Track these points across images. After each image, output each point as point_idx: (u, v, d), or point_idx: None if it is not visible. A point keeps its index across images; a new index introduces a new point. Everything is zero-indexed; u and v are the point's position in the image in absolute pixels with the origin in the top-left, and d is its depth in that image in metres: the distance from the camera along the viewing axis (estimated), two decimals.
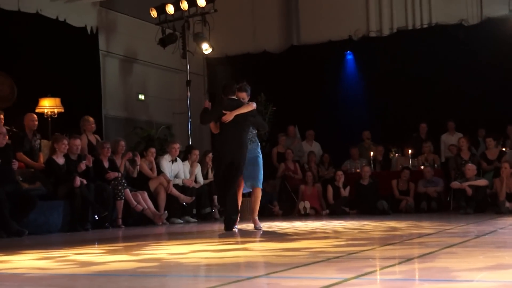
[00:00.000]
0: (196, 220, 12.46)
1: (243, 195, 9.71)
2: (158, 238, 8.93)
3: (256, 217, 9.27)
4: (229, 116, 8.86)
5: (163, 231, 10.09)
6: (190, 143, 15.11)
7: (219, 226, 9.06)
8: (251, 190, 9.35)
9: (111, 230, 10.49)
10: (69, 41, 14.44)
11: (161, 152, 13.28)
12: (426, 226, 8.79)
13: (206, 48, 15.86)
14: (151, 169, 12.31)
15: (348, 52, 17.94)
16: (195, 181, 12.96)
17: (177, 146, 12.83)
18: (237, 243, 7.11)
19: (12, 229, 8.89)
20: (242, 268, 4.65)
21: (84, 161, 10.72)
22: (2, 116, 10.97)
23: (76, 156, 10.79)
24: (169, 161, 12.65)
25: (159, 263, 4.98)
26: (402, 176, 14.51)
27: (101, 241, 8.14)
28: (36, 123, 11.27)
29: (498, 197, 12.83)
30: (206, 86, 19.14)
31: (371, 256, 5.09)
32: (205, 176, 13.32)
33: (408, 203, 14.23)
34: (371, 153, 15.63)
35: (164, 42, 15.65)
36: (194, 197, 12.39)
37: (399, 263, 4.48)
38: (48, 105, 13.05)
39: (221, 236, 8.27)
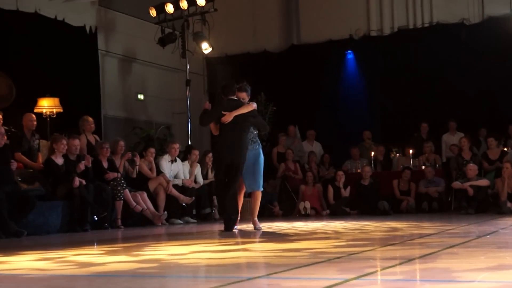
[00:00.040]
0: (195, 221, 12.42)
1: (243, 195, 9.64)
2: (158, 238, 8.90)
3: (256, 218, 9.24)
4: (228, 117, 8.80)
5: (163, 232, 10.06)
6: (189, 143, 15.10)
7: (219, 227, 9.02)
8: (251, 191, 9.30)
9: (110, 231, 10.45)
10: (67, 41, 14.41)
11: (160, 152, 13.26)
12: (427, 227, 8.76)
13: (206, 48, 15.83)
14: (151, 170, 12.27)
15: (348, 51, 17.93)
16: (195, 181, 12.92)
17: (176, 146, 12.79)
18: (237, 243, 7.09)
19: (10, 230, 8.85)
20: (242, 268, 4.63)
21: (83, 162, 10.69)
22: (0, 116, 10.95)
23: (75, 156, 10.77)
24: (169, 161, 12.62)
25: (158, 264, 4.96)
26: (403, 176, 14.48)
27: (100, 241, 8.13)
28: (35, 123, 11.23)
29: (500, 197, 12.79)
30: (206, 86, 19.14)
31: (372, 257, 5.08)
32: (204, 177, 13.28)
33: (409, 204, 14.19)
34: (372, 153, 15.60)
35: (163, 41, 15.62)
36: (193, 198, 12.35)
37: (400, 263, 4.47)
38: (47, 105, 13.02)
39: (221, 236, 8.24)
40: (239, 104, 8.95)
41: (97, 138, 12.38)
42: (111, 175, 11.14)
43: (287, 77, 17.75)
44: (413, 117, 16.25)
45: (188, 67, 15.81)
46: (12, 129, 11.15)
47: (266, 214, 13.70)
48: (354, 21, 17.73)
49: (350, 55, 17.92)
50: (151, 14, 15.50)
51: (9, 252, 6.43)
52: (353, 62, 17.89)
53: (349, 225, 9.83)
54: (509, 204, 12.50)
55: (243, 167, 8.92)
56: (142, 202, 11.44)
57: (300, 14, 18.42)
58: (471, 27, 16.67)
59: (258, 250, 6.23)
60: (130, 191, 11.30)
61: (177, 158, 12.85)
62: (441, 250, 5.25)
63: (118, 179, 11.16)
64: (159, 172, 12.32)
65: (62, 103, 13.17)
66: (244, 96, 9.10)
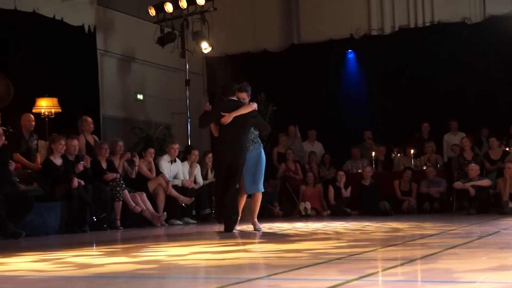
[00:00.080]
0: (195, 221, 12.40)
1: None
2: (157, 239, 8.88)
3: (256, 219, 9.20)
4: (227, 118, 8.74)
5: (162, 233, 10.05)
6: (189, 143, 15.09)
7: (219, 227, 9.00)
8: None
9: (109, 232, 10.43)
10: (66, 40, 14.38)
11: (160, 153, 13.26)
12: (429, 227, 8.77)
13: (206, 47, 15.81)
14: (150, 170, 12.24)
15: (349, 51, 17.91)
16: (195, 182, 12.89)
17: (176, 146, 12.76)
18: (237, 244, 7.07)
19: (9, 231, 8.81)
20: (242, 269, 4.61)
21: (82, 162, 10.67)
22: None
23: (74, 156, 10.75)
24: (168, 162, 12.59)
25: (158, 265, 4.94)
26: (404, 176, 14.45)
27: (99, 242, 8.12)
28: (33, 123, 11.19)
29: (502, 197, 12.78)
30: (206, 86, 19.14)
31: (373, 258, 5.07)
32: (204, 177, 13.25)
33: (410, 204, 14.16)
34: (373, 153, 15.57)
35: (162, 41, 15.59)
36: (193, 198, 12.32)
37: (401, 264, 4.45)
38: (45, 105, 12.99)
39: (221, 237, 8.21)
40: (239, 104, 8.88)
41: (96, 138, 12.36)
42: (110, 175, 11.10)
43: (287, 76, 17.72)
44: (414, 117, 16.23)
45: (187, 67, 15.78)
46: (10, 130, 11.11)
47: (267, 215, 13.68)
48: (355, 20, 17.70)
49: (350, 54, 17.90)
50: (150, 13, 15.48)
51: (7, 253, 6.40)
52: (354, 62, 17.87)
53: (350, 225, 9.82)
54: (511, 204, 12.50)
55: (243, 168, 8.86)
56: (141, 202, 11.41)
57: (300, 13, 18.39)
58: (472, 26, 16.63)
59: (258, 251, 6.22)
60: (129, 192, 11.27)
61: (177, 159, 12.81)
62: (442, 250, 5.23)
63: (117, 179, 11.12)
64: (159, 172, 12.29)
65: (60, 103, 13.13)
66: (245, 96, 9.02)
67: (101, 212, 10.51)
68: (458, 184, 13.17)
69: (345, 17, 17.70)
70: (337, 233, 8.20)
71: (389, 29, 17.58)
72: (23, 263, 5.48)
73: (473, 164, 13.28)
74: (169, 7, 15.21)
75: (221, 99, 9.11)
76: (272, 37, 18.47)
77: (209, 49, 15.91)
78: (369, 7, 17.71)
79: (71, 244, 7.83)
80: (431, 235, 7.22)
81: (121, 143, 11.96)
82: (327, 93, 17.63)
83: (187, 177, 12.78)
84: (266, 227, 9.77)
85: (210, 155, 12.91)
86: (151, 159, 12.33)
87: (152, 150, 12.48)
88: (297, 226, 10.04)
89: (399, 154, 15.64)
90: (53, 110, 12.98)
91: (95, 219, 10.51)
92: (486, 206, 12.86)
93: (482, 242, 6.11)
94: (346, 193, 14.36)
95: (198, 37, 15.68)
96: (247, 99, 9.04)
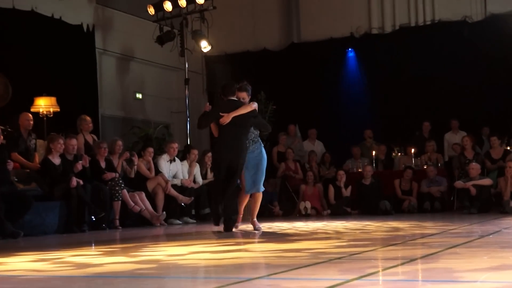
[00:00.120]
0: (195, 221, 12.38)
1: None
2: (156, 239, 8.88)
3: (255, 219, 9.17)
4: (226, 118, 8.68)
5: (161, 232, 10.05)
6: (188, 143, 15.06)
7: (219, 227, 8.97)
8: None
9: (108, 232, 10.43)
10: (64, 39, 14.34)
11: (159, 152, 13.21)
12: (429, 226, 8.77)
13: (205, 46, 15.76)
14: (149, 169, 12.22)
15: (349, 49, 17.87)
16: (194, 181, 12.88)
17: (175, 145, 12.75)
18: (236, 244, 7.05)
19: (7, 231, 8.81)
20: (242, 269, 4.59)
21: (80, 161, 10.66)
22: None
23: (72, 156, 10.74)
24: (167, 161, 12.57)
25: (157, 265, 4.94)
26: (404, 175, 14.43)
27: (98, 242, 8.13)
28: (32, 122, 11.20)
29: (503, 196, 12.76)
30: (205, 85, 19.12)
31: (373, 257, 5.08)
32: (204, 176, 13.23)
33: (411, 203, 14.14)
34: (373, 152, 15.54)
35: (162, 39, 15.55)
36: (192, 198, 12.30)
37: (402, 264, 4.45)
38: (44, 104, 12.96)
39: (220, 237, 8.19)
40: (238, 104, 8.81)
41: (95, 137, 12.36)
42: (109, 175, 11.09)
43: (287, 75, 17.68)
44: (415, 116, 16.19)
45: (187, 66, 15.74)
46: (9, 129, 11.07)
47: (266, 214, 13.66)
48: (355, 19, 17.67)
49: (351, 53, 17.86)
50: (149, 12, 15.43)
51: (6, 253, 6.40)
52: (354, 60, 17.84)
53: (350, 225, 9.83)
54: None
55: (244, 168, 8.83)
56: (140, 202, 11.39)
57: (300, 12, 18.35)
58: (473, 24, 16.59)
59: (258, 250, 6.24)
60: (128, 191, 11.25)
61: (176, 158, 12.79)
62: (443, 250, 5.23)
63: (116, 179, 11.11)
64: (158, 172, 12.27)
65: (59, 102, 13.10)
66: (245, 96, 8.96)
67: (100, 212, 10.49)
68: (459, 183, 13.14)
69: (345, 16, 17.66)
70: (337, 232, 8.19)
71: (390, 27, 17.54)
72: (22, 263, 5.47)
73: (474, 163, 13.26)
74: (168, 6, 15.17)
75: (220, 99, 9.06)
76: (272, 36, 18.43)
77: (209, 48, 15.86)
78: (369, 5, 17.67)
79: (69, 244, 7.82)
80: (432, 234, 7.22)
81: (120, 143, 11.94)
82: (327, 92, 17.59)
83: (187, 176, 12.76)
84: (266, 226, 9.76)
85: (209, 154, 12.87)
86: (150, 159, 12.31)
87: (151, 150, 12.46)
88: (297, 226, 10.03)
89: (399, 153, 15.62)
90: (51, 109, 12.95)
91: (93, 219, 10.50)
92: (487, 205, 12.84)
93: (483, 242, 6.12)
94: (347, 192, 14.34)
95: (197, 36, 15.64)
96: (247, 99, 8.98)
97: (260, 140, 9.14)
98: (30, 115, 11.28)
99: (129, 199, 11.18)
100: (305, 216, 13.81)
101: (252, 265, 4.86)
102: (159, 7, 15.28)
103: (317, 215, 14.08)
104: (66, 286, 4.07)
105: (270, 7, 18.64)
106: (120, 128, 16.18)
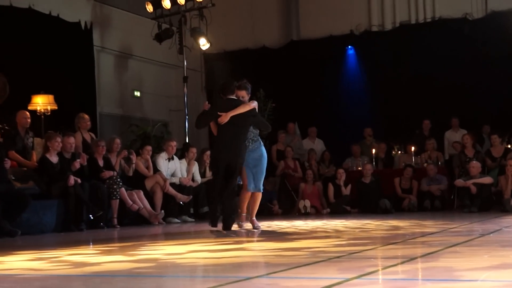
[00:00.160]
0: (193, 220, 12.36)
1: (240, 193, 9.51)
2: (154, 238, 8.91)
3: (254, 218, 9.12)
4: (224, 118, 8.61)
5: (160, 231, 10.06)
6: (187, 141, 15.03)
7: (218, 226, 8.92)
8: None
9: (106, 230, 10.44)
10: (62, 37, 14.30)
11: (157, 150, 13.22)
12: (429, 225, 8.78)
13: (204, 44, 15.71)
14: (147, 168, 12.20)
15: (349, 47, 17.84)
16: (193, 179, 12.85)
17: (173, 143, 12.73)
18: (235, 243, 7.03)
19: (4, 229, 8.80)
20: (241, 268, 4.59)
21: (78, 160, 10.65)
22: None
23: (70, 154, 10.74)
24: (166, 159, 12.54)
25: (155, 264, 4.95)
26: (404, 174, 14.42)
27: (96, 241, 8.15)
28: (29, 120, 11.18)
29: (503, 195, 12.77)
30: (204, 83, 19.07)
31: (373, 256, 5.08)
32: (202, 175, 13.21)
33: (411, 202, 14.12)
34: (373, 151, 15.51)
35: (160, 37, 15.50)
36: (191, 196, 12.30)
37: (402, 262, 4.43)
38: (41, 102, 12.94)
39: (219, 235, 8.17)
40: (237, 103, 8.73)
41: (93, 135, 12.35)
42: (107, 173, 11.08)
43: (286, 73, 17.64)
44: (415, 114, 16.14)
45: (185, 64, 15.72)
46: (6, 127, 11.11)
47: (266, 213, 13.64)
48: (355, 16, 17.62)
49: (350, 50, 17.84)
50: (148, 9, 15.36)
51: (3, 252, 6.40)
52: (354, 58, 17.81)
53: (349, 223, 9.85)
54: None
55: (245, 166, 8.77)
56: (138, 201, 11.38)
57: (300, 9, 18.31)
58: (474, 22, 16.55)
59: (257, 249, 6.25)
60: (126, 190, 11.24)
61: (174, 156, 12.76)
62: (443, 249, 5.22)
63: (114, 177, 11.09)
64: (156, 170, 12.25)
65: (56, 100, 13.08)
66: (244, 94, 8.88)
67: (97, 210, 10.47)
68: (459, 182, 13.14)
69: (345, 13, 17.62)
70: (337, 231, 8.19)
71: (390, 25, 17.49)
72: (19, 262, 5.48)
73: (474, 162, 13.26)
74: (166, 3, 15.12)
75: (220, 97, 8.98)
76: (271, 33, 18.38)
77: (207, 45, 15.80)
78: (369, 2, 17.63)
79: (67, 243, 7.81)
80: (432, 233, 7.22)
81: (118, 141, 11.88)
82: (326, 90, 17.55)
83: (185, 175, 12.73)
84: (265, 225, 9.74)
85: (208, 152, 12.86)
86: (149, 157, 12.29)
87: (149, 148, 12.45)
88: (296, 224, 10.03)
89: (399, 152, 15.62)
90: (49, 107, 12.94)
91: (91, 218, 10.48)
92: (488, 204, 12.86)
93: (484, 240, 6.13)
94: (346, 191, 14.33)
95: (196, 33, 15.60)
96: (246, 97, 8.90)
97: (260, 139, 9.06)
98: (28, 113, 11.27)
99: (127, 197, 11.15)
100: (305, 215, 13.80)
101: (251, 264, 4.84)
102: (157, 4, 15.22)
103: (317, 214, 14.06)
104: (64, 285, 4.05)
105: (269, 4, 18.60)
106: (118, 126, 16.15)
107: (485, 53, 15.89)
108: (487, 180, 13.01)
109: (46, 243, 8.26)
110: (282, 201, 14.68)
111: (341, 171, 14.54)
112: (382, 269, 4.15)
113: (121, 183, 11.11)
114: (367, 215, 12.69)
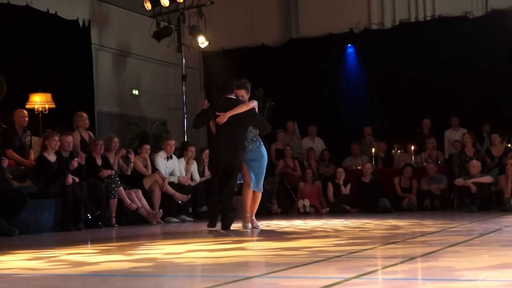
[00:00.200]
0: (192, 219, 12.35)
1: (239, 192, 9.50)
2: (153, 237, 8.89)
3: (254, 217, 9.10)
4: (222, 118, 8.56)
5: (158, 230, 10.05)
6: (186, 140, 15.01)
7: (217, 225, 8.90)
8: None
9: (104, 230, 10.42)
10: (60, 35, 14.26)
11: (155, 149, 13.18)
12: (429, 225, 8.79)
13: (202, 42, 15.68)
14: (146, 167, 12.19)
15: (349, 45, 17.78)
16: (191, 178, 12.85)
17: (172, 142, 12.72)
18: (234, 242, 7.00)
19: (2, 229, 8.79)
20: (240, 267, 4.57)
21: (76, 159, 10.63)
22: None
23: (68, 153, 10.73)
24: (164, 158, 12.53)
25: (153, 263, 4.94)
26: (404, 173, 14.41)
27: (94, 240, 8.14)
28: (27, 119, 11.20)
29: (503, 194, 12.77)
30: (202, 81, 19.05)
31: (373, 255, 5.08)
32: (201, 174, 13.20)
33: (410, 201, 14.12)
34: (373, 150, 15.51)
35: (158, 35, 15.47)
36: (190, 195, 12.29)
37: (402, 262, 4.42)
38: (39, 100, 12.88)
39: (218, 235, 8.15)
40: (236, 103, 8.68)
41: (91, 134, 12.35)
42: (105, 172, 11.07)
43: (285, 72, 17.61)
44: (415, 113, 16.11)
45: (184, 62, 15.70)
46: (3, 126, 11.06)
47: (265, 212, 13.61)
48: (355, 14, 17.59)
49: (350, 49, 17.79)
50: (146, 7, 15.35)
51: (1, 251, 6.38)
52: (354, 56, 17.77)
53: (349, 223, 9.87)
54: None
55: (246, 164, 8.72)
56: (137, 200, 11.37)
57: (299, 7, 18.27)
58: (474, 20, 16.51)
59: (256, 249, 6.22)
60: (124, 189, 11.23)
61: (173, 155, 12.74)
62: (443, 248, 5.22)
63: (112, 176, 11.08)
64: (154, 169, 12.23)
65: (54, 98, 13.02)
66: (243, 93, 8.82)
67: (96, 210, 10.44)
68: (459, 181, 13.12)
69: (345, 11, 17.58)
70: (336, 230, 8.18)
71: (390, 23, 17.45)
72: (17, 261, 5.47)
73: (474, 161, 13.25)
74: (165, 1, 15.10)
75: (219, 97, 8.91)
76: (270, 32, 18.35)
77: (206, 43, 15.77)
78: (369, 0, 17.57)
79: (65, 242, 7.80)
80: (432, 232, 7.22)
81: (116, 140, 11.88)
82: (326, 89, 17.51)
83: (184, 174, 12.71)
84: (264, 224, 9.74)
85: (207, 151, 12.85)
86: (147, 156, 12.28)
87: (147, 147, 12.43)
88: (296, 224, 10.03)
89: (399, 151, 15.62)
90: (46, 106, 12.88)
91: (89, 217, 10.44)
92: (488, 203, 12.85)
93: (484, 240, 6.13)
94: (346, 190, 14.32)
95: (194, 31, 15.57)
96: (246, 97, 8.85)
97: (260, 139, 8.99)
98: (25, 112, 11.27)
99: (126, 196, 11.14)
100: (304, 214, 13.80)
101: (250, 264, 4.83)
102: (156, 2, 15.19)
103: (316, 213, 14.07)
104: (62, 284, 4.04)
105: (268, 2, 18.57)
106: (116, 125, 16.11)
107: (485, 52, 15.85)
108: (487, 179, 12.99)
109: (44, 242, 8.25)
110: (281, 201, 14.67)
111: (340, 170, 14.51)
112: (382, 268, 4.13)
113: (119, 182, 11.09)
114: (366, 214, 12.69)
